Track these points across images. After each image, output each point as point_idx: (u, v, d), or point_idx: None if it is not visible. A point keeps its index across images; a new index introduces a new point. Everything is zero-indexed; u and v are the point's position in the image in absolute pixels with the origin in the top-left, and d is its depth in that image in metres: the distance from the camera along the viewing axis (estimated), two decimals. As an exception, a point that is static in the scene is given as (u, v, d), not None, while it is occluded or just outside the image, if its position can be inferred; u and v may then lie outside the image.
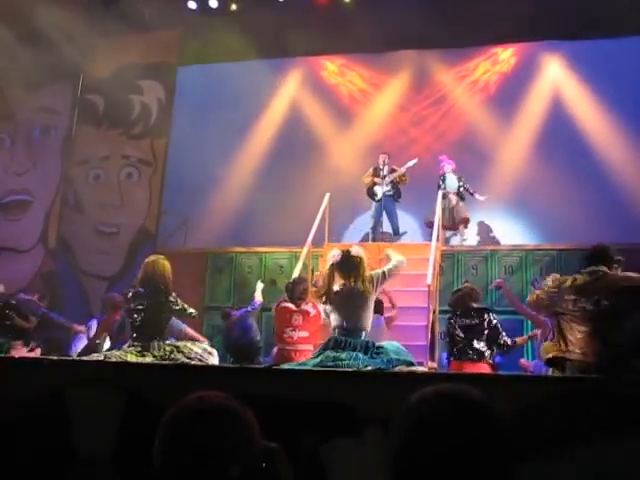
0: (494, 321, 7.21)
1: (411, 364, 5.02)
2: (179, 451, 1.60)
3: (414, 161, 11.49)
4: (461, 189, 11.77)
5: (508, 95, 13.11)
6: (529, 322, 8.74)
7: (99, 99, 13.74)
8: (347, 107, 14.10)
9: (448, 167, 11.87)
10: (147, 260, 6.25)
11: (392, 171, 11.52)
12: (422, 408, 1.30)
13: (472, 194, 11.81)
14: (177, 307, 6.15)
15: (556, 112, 12.65)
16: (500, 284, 8.40)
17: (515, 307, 8.06)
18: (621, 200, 11.40)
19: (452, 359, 7.30)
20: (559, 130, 12.39)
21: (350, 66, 14.31)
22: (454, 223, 11.69)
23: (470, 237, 12.22)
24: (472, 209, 12.12)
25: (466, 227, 11.95)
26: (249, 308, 9.13)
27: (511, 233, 12.34)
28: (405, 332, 8.01)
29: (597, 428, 3.22)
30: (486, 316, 7.22)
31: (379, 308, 7.67)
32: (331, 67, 14.43)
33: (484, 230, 12.62)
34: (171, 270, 6.16)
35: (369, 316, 5.44)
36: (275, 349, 7.93)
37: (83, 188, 13.51)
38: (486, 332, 7.13)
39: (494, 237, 12.49)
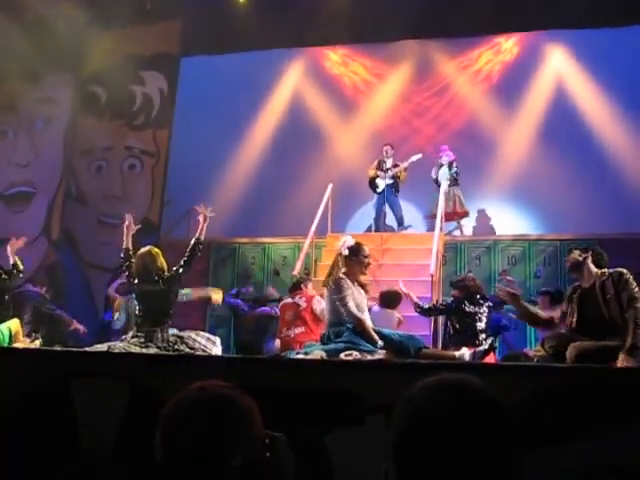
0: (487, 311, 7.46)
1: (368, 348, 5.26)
2: (180, 443, 1.60)
3: (418, 156, 11.41)
4: (454, 174, 11.63)
5: (511, 85, 13.07)
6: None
7: (101, 90, 13.70)
8: (350, 97, 14.08)
9: (445, 159, 11.74)
10: (139, 252, 6.40)
11: (395, 166, 11.49)
12: (422, 396, 1.30)
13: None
14: (172, 278, 6.24)
15: (559, 102, 12.61)
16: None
17: None
18: (625, 190, 11.38)
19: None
20: (562, 120, 12.35)
21: (353, 56, 14.27)
22: (454, 212, 11.59)
23: (468, 225, 12.21)
24: (475, 198, 12.12)
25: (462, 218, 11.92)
26: (273, 310, 8.95)
27: (514, 223, 12.32)
28: (409, 322, 8.02)
29: (600, 418, 3.22)
30: (485, 304, 7.41)
31: (394, 301, 7.71)
32: (334, 57, 14.39)
33: (484, 220, 12.59)
34: (163, 256, 6.39)
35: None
36: (277, 341, 7.97)
37: (86, 179, 13.50)
38: (485, 319, 7.31)
39: (492, 226, 12.47)
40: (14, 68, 12.52)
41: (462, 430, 1.24)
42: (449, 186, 11.45)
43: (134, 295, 6.38)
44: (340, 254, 5.74)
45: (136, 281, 6.29)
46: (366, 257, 5.85)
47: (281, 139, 13.49)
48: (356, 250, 5.80)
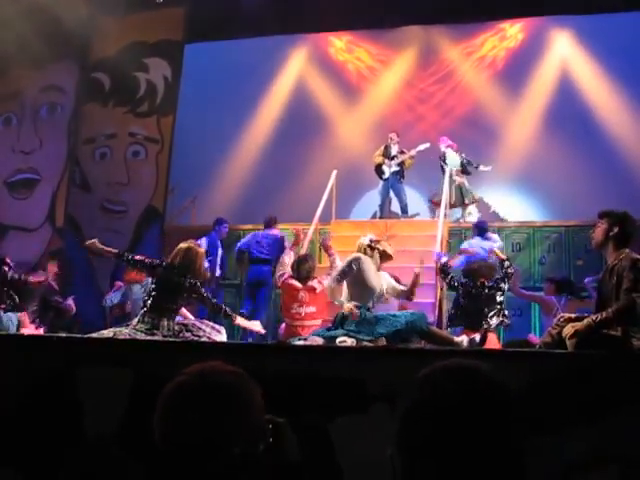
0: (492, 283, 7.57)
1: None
2: (178, 431, 1.57)
3: (426, 145, 11.33)
4: (464, 163, 11.56)
5: (516, 71, 13.04)
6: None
7: (105, 77, 13.66)
8: (354, 84, 14.07)
9: (442, 145, 11.68)
10: (187, 245, 6.25)
11: (401, 152, 11.43)
12: (428, 383, 1.30)
13: (476, 167, 11.60)
14: (192, 288, 6.15)
15: (564, 88, 12.58)
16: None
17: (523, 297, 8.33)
18: (630, 176, 11.36)
19: (465, 330, 7.38)
20: (567, 106, 12.32)
21: (357, 42, 14.23)
22: (463, 202, 11.54)
23: (473, 213, 12.17)
24: (479, 185, 12.08)
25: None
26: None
27: (519, 209, 12.30)
28: (413, 309, 8.00)
29: (602, 405, 3.21)
30: (486, 284, 7.44)
31: None
32: (338, 44, 14.35)
33: (484, 207, 12.55)
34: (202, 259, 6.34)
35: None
36: (283, 325, 7.94)
37: (90, 166, 13.48)
38: (491, 297, 7.38)
39: (494, 213, 12.43)
40: (18, 55, 12.48)
41: (467, 415, 1.23)
42: (458, 174, 11.43)
43: (153, 278, 6.25)
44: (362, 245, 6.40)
45: (164, 265, 6.22)
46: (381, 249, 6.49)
47: (285, 126, 13.47)
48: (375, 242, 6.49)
